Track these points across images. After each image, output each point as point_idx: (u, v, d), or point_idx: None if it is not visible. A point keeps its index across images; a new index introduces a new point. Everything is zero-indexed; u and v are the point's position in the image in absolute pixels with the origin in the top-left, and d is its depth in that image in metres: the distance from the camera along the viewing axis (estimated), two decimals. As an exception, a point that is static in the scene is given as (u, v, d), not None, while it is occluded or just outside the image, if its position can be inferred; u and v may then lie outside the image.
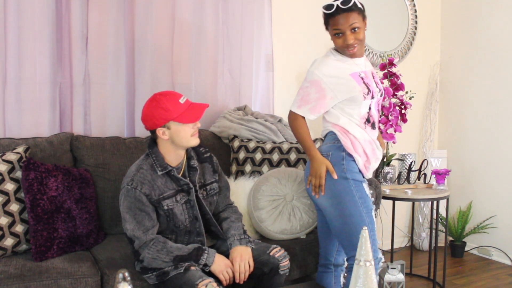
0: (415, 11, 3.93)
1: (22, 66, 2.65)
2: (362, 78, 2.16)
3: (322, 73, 2.13)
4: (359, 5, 2.14)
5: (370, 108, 2.18)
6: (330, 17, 2.13)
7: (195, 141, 2.09)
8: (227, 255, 2.12)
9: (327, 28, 2.20)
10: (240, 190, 2.63)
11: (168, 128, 2.03)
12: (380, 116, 2.33)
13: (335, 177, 2.11)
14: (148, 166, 2.07)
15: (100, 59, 2.81)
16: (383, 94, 2.27)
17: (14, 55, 2.62)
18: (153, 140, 2.12)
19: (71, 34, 2.73)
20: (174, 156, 2.10)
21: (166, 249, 1.99)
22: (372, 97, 2.17)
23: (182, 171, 2.15)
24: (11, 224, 2.21)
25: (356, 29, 2.11)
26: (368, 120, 2.19)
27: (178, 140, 2.05)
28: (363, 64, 2.22)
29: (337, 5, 2.10)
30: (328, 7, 2.12)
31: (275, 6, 3.30)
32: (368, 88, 2.15)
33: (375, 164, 2.23)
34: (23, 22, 2.63)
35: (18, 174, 2.27)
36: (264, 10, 3.24)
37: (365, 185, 2.19)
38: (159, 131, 2.04)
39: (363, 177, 2.19)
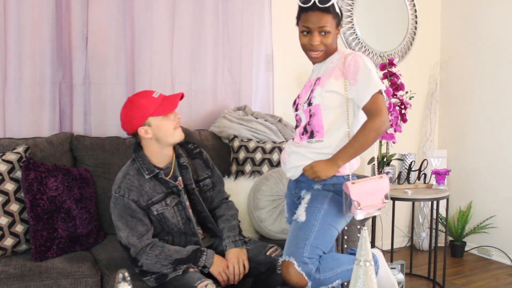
0: (415, 11, 3.93)
1: (22, 66, 2.65)
2: (302, 89, 2.10)
3: None
4: (337, 9, 1.98)
5: (301, 120, 2.06)
6: (303, 12, 1.98)
7: (179, 135, 2.05)
8: (225, 253, 2.11)
9: (297, 23, 2.04)
10: (240, 190, 2.63)
11: (149, 125, 2.00)
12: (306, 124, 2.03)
13: None
14: (135, 171, 2.04)
15: (100, 59, 2.81)
16: (312, 103, 1.99)
17: (14, 55, 2.62)
18: (138, 144, 2.09)
19: (71, 34, 2.73)
20: (161, 157, 2.08)
21: (165, 253, 1.98)
22: (297, 109, 2.07)
23: (172, 171, 2.12)
24: (11, 224, 2.21)
25: (326, 32, 1.95)
26: (296, 126, 2.09)
27: (162, 135, 2.01)
28: (317, 69, 2.07)
29: (314, 1, 1.93)
30: (304, 0, 1.97)
31: (275, 6, 3.30)
32: (295, 100, 2.10)
33: (287, 172, 2.08)
34: (23, 22, 2.63)
35: (18, 174, 2.27)
36: (264, 10, 3.24)
37: (286, 203, 2.20)
38: (141, 131, 2.01)
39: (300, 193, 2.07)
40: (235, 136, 2.93)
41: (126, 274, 1.35)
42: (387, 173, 3.22)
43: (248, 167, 2.82)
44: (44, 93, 2.70)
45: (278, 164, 2.78)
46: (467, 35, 3.92)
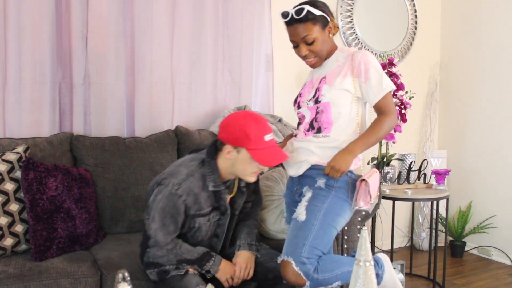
0: (415, 11, 3.93)
1: (22, 66, 2.65)
2: (302, 88, 2.14)
3: None
4: (318, 13, 1.95)
5: (304, 117, 2.09)
6: (287, 27, 2.00)
7: (251, 179, 1.99)
8: (230, 258, 2.10)
9: None
10: (240, 190, 2.63)
11: (238, 152, 1.91)
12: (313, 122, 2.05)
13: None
14: (200, 175, 1.96)
15: (100, 59, 2.81)
16: (320, 100, 2.01)
17: (14, 55, 2.62)
18: (215, 149, 1.99)
19: (71, 34, 2.73)
20: (228, 175, 2.01)
21: (176, 250, 1.96)
22: (299, 107, 2.11)
23: (230, 190, 2.07)
24: (11, 224, 2.21)
25: (311, 42, 1.97)
26: (299, 123, 2.13)
27: (238, 168, 1.94)
28: (319, 70, 2.09)
29: (292, 14, 1.95)
30: (284, 14, 1.98)
31: (275, 6, 3.29)
32: (296, 98, 2.14)
33: (290, 170, 2.10)
34: (23, 22, 2.63)
35: (18, 174, 2.27)
36: (264, 10, 3.25)
37: (284, 202, 2.22)
38: (227, 149, 1.92)
39: (298, 190, 2.10)
40: (235, 136, 2.92)
41: (126, 274, 1.35)
42: (387, 173, 3.22)
43: (248, 167, 2.81)
44: (44, 93, 2.70)
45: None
46: (467, 35, 3.93)
